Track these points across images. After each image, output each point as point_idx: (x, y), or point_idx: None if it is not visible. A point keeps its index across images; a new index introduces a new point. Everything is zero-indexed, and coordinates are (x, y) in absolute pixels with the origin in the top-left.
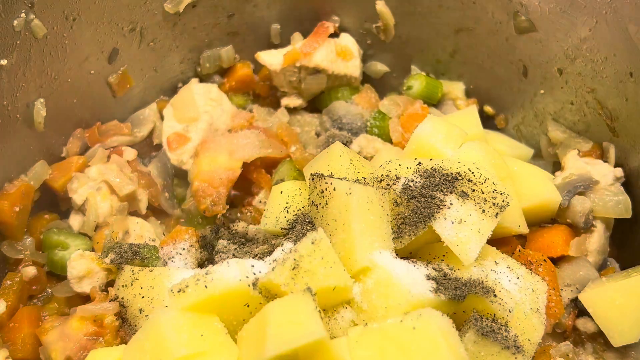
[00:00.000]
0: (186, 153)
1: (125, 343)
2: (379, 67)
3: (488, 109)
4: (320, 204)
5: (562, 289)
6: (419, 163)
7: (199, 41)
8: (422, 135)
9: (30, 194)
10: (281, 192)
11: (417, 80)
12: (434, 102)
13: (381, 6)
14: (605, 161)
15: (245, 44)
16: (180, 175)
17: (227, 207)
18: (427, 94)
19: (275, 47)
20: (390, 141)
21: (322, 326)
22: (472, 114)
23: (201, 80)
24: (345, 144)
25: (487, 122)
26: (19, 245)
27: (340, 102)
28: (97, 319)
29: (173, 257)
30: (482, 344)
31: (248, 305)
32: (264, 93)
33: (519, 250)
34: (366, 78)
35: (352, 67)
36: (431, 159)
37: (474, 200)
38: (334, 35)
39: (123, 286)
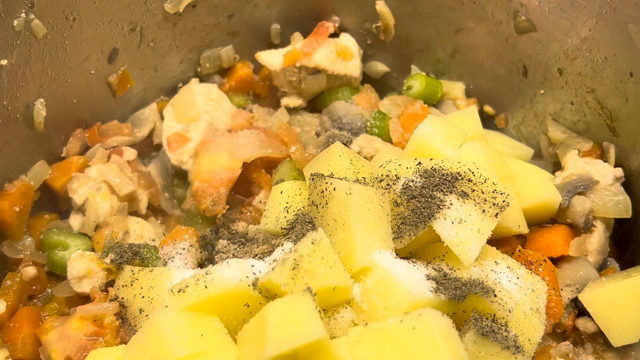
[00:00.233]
0: (186, 153)
1: (125, 343)
2: (379, 67)
3: (488, 109)
4: (320, 204)
5: (562, 289)
6: (419, 163)
7: (199, 41)
8: (422, 135)
9: (30, 194)
10: (281, 192)
11: (417, 80)
12: (434, 102)
13: (381, 6)
14: (605, 161)
15: (245, 44)
16: (180, 175)
17: (227, 207)
18: (427, 94)
19: (275, 47)
20: (390, 141)
21: (322, 326)
22: (472, 114)
23: (201, 80)
24: (345, 144)
25: (487, 122)
26: (19, 245)
27: (340, 102)
28: (97, 319)
29: (173, 257)
30: (482, 344)
31: (248, 305)
32: (264, 93)
33: (519, 250)
34: (366, 78)
35: (352, 67)
36: (431, 159)
37: (474, 200)
38: (334, 35)
39: (123, 286)
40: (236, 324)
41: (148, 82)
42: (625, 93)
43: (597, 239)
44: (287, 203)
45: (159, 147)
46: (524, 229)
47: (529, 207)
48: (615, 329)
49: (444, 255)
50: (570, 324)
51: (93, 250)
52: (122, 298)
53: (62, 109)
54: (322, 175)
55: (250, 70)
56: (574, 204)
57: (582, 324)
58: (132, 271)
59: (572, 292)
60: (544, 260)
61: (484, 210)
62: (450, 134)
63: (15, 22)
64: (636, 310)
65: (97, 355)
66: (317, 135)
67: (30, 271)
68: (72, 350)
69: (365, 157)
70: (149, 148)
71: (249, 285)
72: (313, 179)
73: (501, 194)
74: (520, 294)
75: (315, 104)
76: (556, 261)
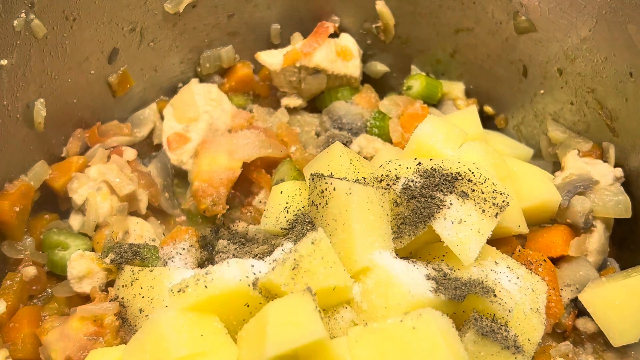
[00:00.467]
0: (186, 153)
1: (125, 343)
2: (379, 67)
3: (488, 109)
4: (320, 204)
5: (562, 289)
6: (419, 163)
7: (199, 41)
8: (422, 135)
9: (30, 194)
10: (281, 192)
11: (417, 80)
12: (434, 102)
13: (381, 6)
14: (605, 161)
15: (245, 44)
16: (180, 175)
17: (227, 207)
18: (427, 94)
19: (275, 47)
20: (390, 141)
21: (322, 326)
22: (472, 114)
23: (201, 80)
24: (345, 144)
25: (487, 122)
26: (19, 245)
27: (340, 102)
28: (97, 319)
29: (173, 257)
30: (482, 344)
31: (248, 305)
32: (264, 93)
33: (519, 250)
34: (366, 78)
35: (352, 67)
36: (431, 159)
37: (474, 200)
38: (334, 35)
39: (123, 286)
40: (236, 324)
41: (148, 82)
42: (625, 93)
43: (597, 239)
44: (287, 203)
45: (159, 147)
46: (524, 229)
47: (529, 207)
48: (615, 329)
49: (443, 255)
50: (570, 324)
51: (93, 250)
52: (122, 298)
53: (62, 109)
54: (322, 175)
55: (250, 70)
56: (574, 204)
57: (582, 324)
58: (132, 271)
59: (572, 292)
60: (544, 260)
61: (483, 210)
62: (450, 134)
63: (15, 22)
64: (636, 310)
65: (97, 355)
66: (317, 135)
67: (30, 271)
68: (72, 350)
69: (365, 157)
70: (149, 148)
71: (249, 285)
72: (313, 179)
73: (501, 194)
74: (520, 294)
75: (315, 104)
76: (556, 261)
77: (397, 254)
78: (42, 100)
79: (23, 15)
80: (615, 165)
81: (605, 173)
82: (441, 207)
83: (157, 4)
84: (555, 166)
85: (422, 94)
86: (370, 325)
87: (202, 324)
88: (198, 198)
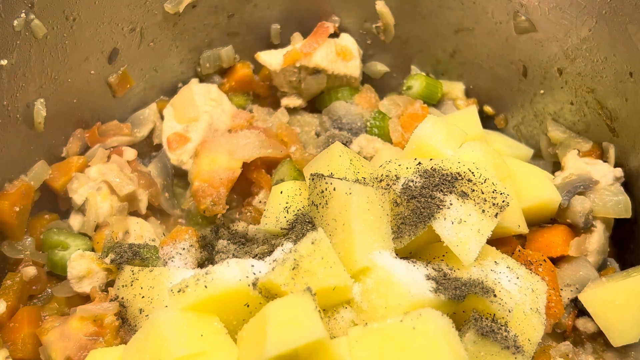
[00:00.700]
0: (186, 153)
1: (125, 343)
2: (379, 67)
3: (488, 109)
4: (320, 204)
5: (562, 289)
6: (419, 163)
7: (199, 41)
8: (422, 135)
9: (30, 194)
10: (281, 192)
11: (417, 80)
12: (434, 102)
13: (381, 6)
14: (605, 161)
15: (245, 44)
16: (180, 175)
17: (227, 207)
18: (427, 94)
19: (275, 47)
20: (390, 141)
21: (322, 326)
22: (472, 114)
23: (201, 80)
24: (345, 144)
25: (487, 122)
26: (19, 245)
27: (340, 102)
28: (97, 319)
29: (173, 257)
30: (482, 344)
31: (248, 305)
32: (264, 93)
33: (519, 250)
34: (366, 78)
35: (352, 67)
36: (431, 159)
37: (474, 200)
38: (334, 35)
39: (123, 286)
40: (236, 324)
41: (148, 82)
42: (625, 93)
43: (597, 239)
44: (287, 203)
45: (159, 147)
46: (524, 229)
47: (529, 207)
48: (615, 329)
49: (443, 255)
50: (570, 324)
51: (93, 250)
52: (122, 298)
53: (62, 109)
54: (322, 175)
55: (250, 70)
56: (574, 204)
57: (582, 324)
58: (132, 271)
59: (572, 292)
60: (544, 260)
61: (483, 210)
62: (450, 134)
63: (15, 22)
64: (636, 310)
65: (97, 355)
66: (317, 135)
67: (30, 271)
68: (72, 350)
69: (365, 157)
70: (149, 148)
71: (249, 285)
72: (313, 179)
73: (501, 194)
74: (520, 294)
75: (315, 104)
76: (556, 261)
77: (397, 254)
78: (42, 100)
79: (23, 15)
80: (615, 165)
81: (605, 173)
82: (441, 207)
83: (157, 4)
84: (555, 166)
85: (422, 94)
86: (370, 325)
87: (202, 324)
88: (198, 198)
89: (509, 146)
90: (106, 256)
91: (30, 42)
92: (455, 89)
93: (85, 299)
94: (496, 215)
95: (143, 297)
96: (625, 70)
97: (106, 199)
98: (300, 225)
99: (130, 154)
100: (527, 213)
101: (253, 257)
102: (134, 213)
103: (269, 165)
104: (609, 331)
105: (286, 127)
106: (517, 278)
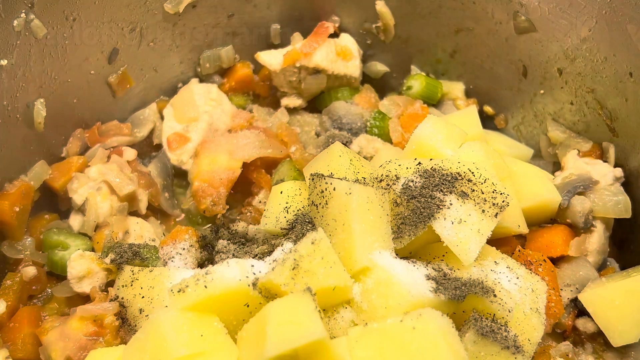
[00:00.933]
0: (186, 153)
1: (125, 343)
2: (379, 67)
3: (488, 109)
4: (320, 204)
5: (562, 289)
6: (419, 163)
7: (199, 41)
8: (422, 135)
9: (30, 194)
10: (281, 192)
11: (417, 80)
12: (434, 102)
13: (381, 6)
14: (605, 161)
15: (245, 44)
16: (180, 175)
17: (227, 207)
18: (427, 94)
19: (275, 47)
20: (390, 141)
21: (322, 326)
22: (472, 114)
23: (201, 80)
24: (345, 144)
25: (487, 122)
26: (19, 245)
27: (340, 102)
28: (97, 319)
29: (173, 257)
30: (482, 344)
31: (248, 305)
32: (264, 93)
33: (519, 250)
34: (366, 78)
35: (352, 67)
36: (431, 159)
37: (474, 200)
38: (334, 35)
39: (123, 286)
40: (236, 324)
41: (148, 82)
42: (625, 93)
43: (596, 239)
44: (287, 203)
45: (159, 147)
46: (524, 229)
47: (529, 207)
48: (615, 329)
49: (443, 255)
50: (570, 324)
51: (93, 250)
52: (122, 298)
53: (62, 109)
54: (322, 175)
55: (250, 70)
56: (574, 204)
57: (582, 324)
58: (132, 271)
59: (572, 292)
60: (544, 260)
61: (483, 210)
62: (450, 134)
63: (15, 22)
64: (636, 310)
65: (97, 355)
66: (317, 135)
67: (30, 271)
68: (72, 350)
69: (365, 157)
70: (149, 148)
71: (249, 285)
72: (313, 179)
73: (501, 194)
74: (520, 294)
75: (315, 104)
76: (556, 261)
77: (397, 254)
78: (42, 100)
79: (23, 15)
80: (615, 165)
81: (605, 173)
82: (441, 207)
83: (157, 4)
84: (555, 166)
85: (422, 94)
86: (370, 325)
87: (202, 324)
88: (198, 198)
89: (509, 146)
90: (106, 256)
91: (30, 42)
92: (455, 89)
93: (85, 299)
94: (496, 215)
95: (143, 297)
96: (625, 70)
97: (106, 199)
98: (300, 225)
99: (130, 154)
100: (527, 213)
101: (253, 257)
102: (134, 213)
103: (269, 165)
104: (609, 331)
105: (286, 127)
106: (517, 278)
